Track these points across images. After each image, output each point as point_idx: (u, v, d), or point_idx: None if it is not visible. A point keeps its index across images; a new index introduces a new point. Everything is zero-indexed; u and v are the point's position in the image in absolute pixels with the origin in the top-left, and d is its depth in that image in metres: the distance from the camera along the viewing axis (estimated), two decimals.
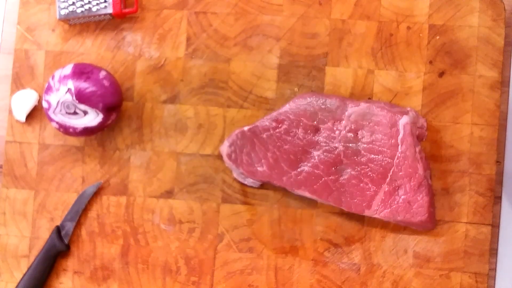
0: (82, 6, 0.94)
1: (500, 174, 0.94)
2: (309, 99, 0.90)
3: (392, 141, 0.88)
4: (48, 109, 0.90)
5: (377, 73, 0.94)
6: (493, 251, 0.93)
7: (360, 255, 0.93)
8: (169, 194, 0.95)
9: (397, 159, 0.87)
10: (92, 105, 0.89)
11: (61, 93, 0.89)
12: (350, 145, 0.89)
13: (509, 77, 0.95)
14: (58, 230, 0.95)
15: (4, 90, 0.98)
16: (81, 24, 0.97)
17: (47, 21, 0.97)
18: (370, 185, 0.88)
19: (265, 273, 0.94)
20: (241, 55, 0.95)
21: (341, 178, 0.89)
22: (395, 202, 0.88)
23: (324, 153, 0.89)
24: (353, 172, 0.89)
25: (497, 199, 0.94)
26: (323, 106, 0.90)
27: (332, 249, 0.93)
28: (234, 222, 0.94)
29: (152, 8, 0.96)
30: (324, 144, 0.89)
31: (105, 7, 0.94)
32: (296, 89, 0.95)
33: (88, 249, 0.96)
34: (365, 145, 0.88)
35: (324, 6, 0.95)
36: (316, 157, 0.90)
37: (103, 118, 0.90)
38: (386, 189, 0.88)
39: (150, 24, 0.96)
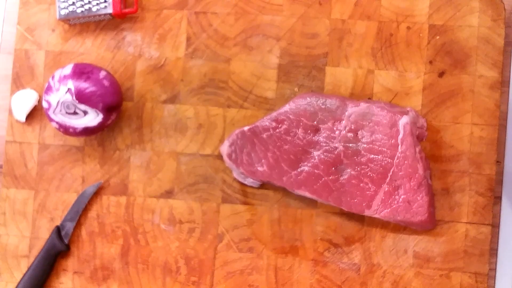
0: (82, 6, 0.94)
1: (500, 174, 0.94)
2: (309, 99, 0.90)
3: (392, 141, 0.88)
4: (48, 109, 0.90)
5: (377, 73, 0.94)
6: (493, 251, 0.93)
7: (360, 255, 0.93)
8: (169, 194, 0.95)
9: (397, 159, 0.87)
10: (92, 105, 0.89)
11: (61, 93, 0.89)
12: (350, 145, 0.89)
13: (509, 77, 0.95)
14: (58, 230, 0.95)
15: (4, 90, 0.98)
16: (81, 24, 0.97)
17: (47, 21, 0.97)
18: (370, 185, 0.88)
19: (265, 273, 0.94)
20: (241, 55, 0.95)
21: (341, 178, 0.89)
22: (395, 202, 0.88)
23: (324, 153, 0.89)
24: (353, 172, 0.89)
25: (497, 199, 0.94)
26: (323, 106, 0.90)
27: (332, 249, 0.93)
28: (234, 222, 0.94)
29: (152, 8, 0.96)
30: (324, 144, 0.89)
31: (105, 7, 0.94)
32: (296, 89, 0.95)
33: (88, 249, 0.96)
34: (365, 145, 0.88)
35: (324, 6, 0.95)
36: (316, 157, 0.90)
37: (103, 118, 0.90)
38: (386, 189, 0.88)
39: (150, 24, 0.96)
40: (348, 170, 0.89)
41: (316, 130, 0.90)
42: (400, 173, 0.88)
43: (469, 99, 0.93)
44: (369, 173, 0.88)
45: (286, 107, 0.90)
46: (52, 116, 0.90)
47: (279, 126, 0.90)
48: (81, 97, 0.89)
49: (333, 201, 0.90)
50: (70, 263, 0.96)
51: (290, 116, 0.90)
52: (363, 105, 0.89)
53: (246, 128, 0.91)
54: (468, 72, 0.93)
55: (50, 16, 0.97)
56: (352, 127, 0.89)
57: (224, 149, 0.92)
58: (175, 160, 0.95)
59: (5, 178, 0.97)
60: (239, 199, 0.95)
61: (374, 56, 0.94)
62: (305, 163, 0.90)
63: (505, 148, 0.94)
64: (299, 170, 0.90)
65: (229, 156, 0.91)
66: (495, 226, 0.93)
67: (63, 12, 0.95)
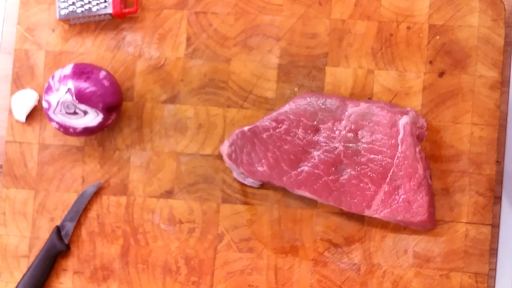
0: (82, 6, 0.94)
1: (500, 174, 0.94)
2: (309, 99, 0.90)
3: (392, 141, 0.88)
4: (48, 109, 0.90)
5: (377, 73, 0.94)
6: (493, 251, 0.93)
7: (360, 255, 0.93)
8: (169, 194, 0.95)
9: (397, 159, 0.87)
10: (92, 105, 0.89)
11: (61, 93, 0.89)
12: (350, 145, 0.89)
13: (509, 77, 0.95)
14: (58, 230, 0.95)
15: (4, 90, 0.98)
16: (81, 24, 0.97)
17: (47, 21, 0.97)
18: (370, 185, 0.88)
19: (265, 273, 0.94)
20: (241, 55, 0.95)
21: (341, 178, 0.89)
22: (395, 202, 0.88)
23: (324, 153, 0.89)
24: (353, 172, 0.89)
25: (497, 199, 0.94)
26: (323, 106, 0.90)
27: (332, 249, 0.93)
28: (234, 222, 0.94)
29: (152, 8, 0.96)
30: (324, 144, 0.89)
31: (105, 7, 0.94)
32: (296, 89, 0.95)
33: (88, 249, 0.96)
34: (365, 145, 0.88)
35: (324, 6, 0.95)
36: (316, 157, 0.90)
37: (103, 118, 0.90)
38: (386, 189, 0.88)
39: (150, 24, 0.96)
40: (348, 170, 0.89)
41: (316, 130, 0.90)
42: (400, 173, 0.88)
43: (469, 99, 0.93)
44: (369, 173, 0.88)
45: (286, 107, 0.90)
46: (52, 116, 0.90)
47: (279, 126, 0.90)
48: (81, 97, 0.89)
49: (333, 201, 0.90)
50: (70, 263, 0.96)
51: (290, 116, 0.90)
52: (363, 105, 0.89)
53: (246, 128, 0.91)
54: (468, 72, 0.93)
55: (50, 16, 0.97)
56: (352, 127, 0.89)
57: (224, 149, 0.92)
58: (175, 160, 0.95)
59: (5, 178, 0.97)
60: (239, 199, 0.95)
61: (374, 56, 0.94)
62: (305, 163, 0.90)
63: (505, 148, 0.94)
64: (299, 170, 0.90)
65: (229, 156, 0.91)
66: (495, 226, 0.93)
67: (63, 12, 0.95)
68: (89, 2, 0.94)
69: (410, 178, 0.87)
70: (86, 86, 0.89)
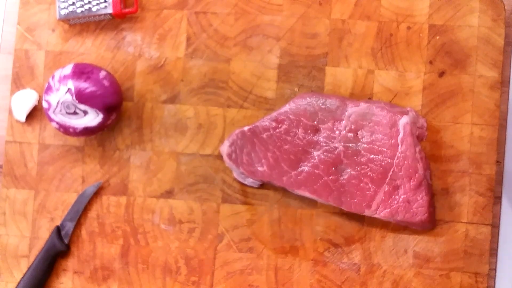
0: (82, 6, 0.94)
1: (500, 174, 0.94)
2: (309, 99, 0.90)
3: (392, 141, 0.88)
4: (48, 109, 0.90)
5: (377, 73, 0.94)
6: (493, 251, 0.93)
7: (360, 255, 0.93)
8: (169, 194, 0.95)
9: (397, 159, 0.87)
10: (92, 105, 0.89)
11: (61, 93, 0.89)
12: (350, 145, 0.89)
13: (509, 77, 0.95)
14: (58, 230, 0.95)
15: (4, 90, 0.98)
16: (81, 24, 0.97)
17: (47, 21, 0.97)
18: (370, 185, 0.88)
19: (265, 273, 0.94)
20: (241, 55, 0.95)
21: (341, 178, 0.89)
22: (395, 202, 0.88)
23: (324, 153, 0.89)
24: (353, 172, 0.89)
25: (497, 199, 0.94)
26: (323, 106, 0.90)
27: (332, 249, 0.93)
28: (234, 222, 0.94)
29: (152, 8, 0.96)
30: (324, 144, 0.89)
31: (105, 7, 0.94)
32: (296, 89, 0.95)
33: (88, 249, 0.96)
34: (365, 145, 0.88)
35: (324, 6, 0.95)
36: (316, 157, 0.90)
37: (103, 118, 0.90)
38: (386, 189, 0.88)
39: (150, 24, 0.96)
40: (348, 170, 0.89)
41: (316, 130, 0.90)
42: (400, 173, 0.88)
43: (469, 99, 0.93)
44: (369, 173, 0.88)
45: (286, 107, 0.90)
46: (52, 116, 0.90)
47: (279, 126, 0.90)
48: (81, 97, 0.89)
49: (333, 201, 0.90)
50: (70, 263, 0.96)
51: (290, 116, 0.90)
52: (363, 105, 0.89)
53: (246, 128, 0.91)
54: (468, 72, 0.93)
55: (50, 16, 0.97)
56: (352, 127, 0.89)
57: (224, 149, 0.92)
58: (175, 160, 0.95)
59: (5, 178, 0.97)
60: (239, 199, 0.95)
61: (374, 56, 0.94)
62: (305, 163, 0.90)
63: (505, 148, 0.94)
64: (299, 170, 0.90)
65: (229, 156, 0.91)
66: (495, 226, 0.93)
67: (63, 12, 0.95)
68: (89, 2, 0.94)
69: (410, 178, 0.87)
70: (86, 86, 0.89)
